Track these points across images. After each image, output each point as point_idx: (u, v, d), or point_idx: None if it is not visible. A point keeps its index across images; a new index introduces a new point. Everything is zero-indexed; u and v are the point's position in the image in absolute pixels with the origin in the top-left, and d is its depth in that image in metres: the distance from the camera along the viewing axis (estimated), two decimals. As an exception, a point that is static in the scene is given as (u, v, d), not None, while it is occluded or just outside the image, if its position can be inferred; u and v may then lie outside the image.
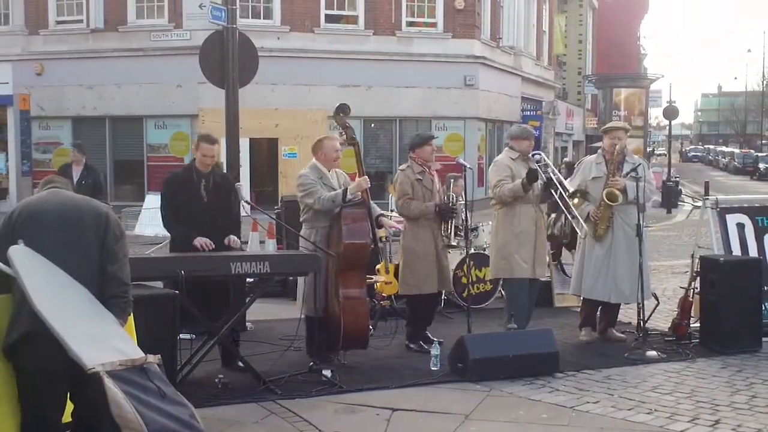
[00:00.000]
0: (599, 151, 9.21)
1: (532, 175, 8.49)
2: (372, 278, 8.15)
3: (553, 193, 8.73)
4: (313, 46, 24.91)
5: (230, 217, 7.68)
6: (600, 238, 8.65)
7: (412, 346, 8.54)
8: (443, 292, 10.44)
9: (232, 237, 7.55)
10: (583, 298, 8.96)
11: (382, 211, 8.44)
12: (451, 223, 8.58)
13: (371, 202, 8.17)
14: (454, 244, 8.56)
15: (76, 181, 12.34)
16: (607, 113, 26.75)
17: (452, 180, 11.61)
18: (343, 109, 8.15)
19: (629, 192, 8.57)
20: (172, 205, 7.67)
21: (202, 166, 7.66)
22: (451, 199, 8.67)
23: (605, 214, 8.62)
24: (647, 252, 8.95)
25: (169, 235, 12.43)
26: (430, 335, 8.66)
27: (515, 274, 8.65)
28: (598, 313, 9.01)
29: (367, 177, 8.01)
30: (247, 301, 7.36)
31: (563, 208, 8.85)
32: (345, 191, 7.82)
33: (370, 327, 8.91)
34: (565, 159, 32.22)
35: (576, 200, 8.56)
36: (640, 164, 8.76)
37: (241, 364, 7.32)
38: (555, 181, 8.75)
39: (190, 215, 7.49)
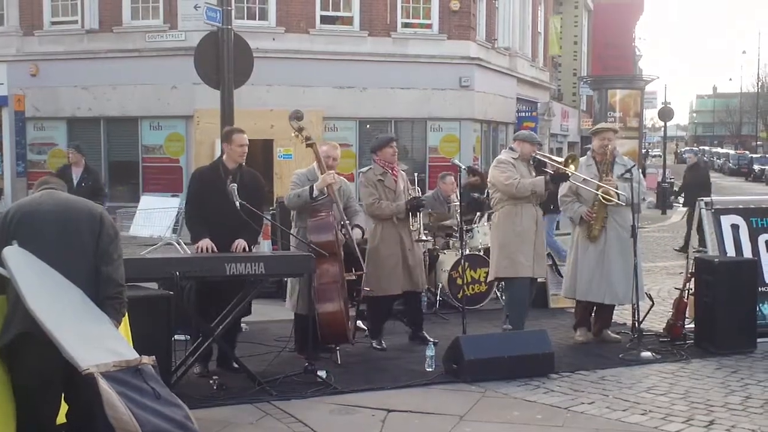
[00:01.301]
0: (588, 152, 9.23)
1: (559, 177, 8.57)
2: (350, 276, 8.18)
3: (548, 170, 8.76)
4: (309, 47, 24.89)
5: (252, 219, 7.37)
6: (594, 239, 8.66)
7: (373, 343, 8.58)
8: (438, 291, 10.52)
9: (241, 242, 7.40)
10: (577, 300, 8.97)
11: (358, 223, 8.46)
12: (419, 215, 8.56)
13: (356, 205, 8.58)
14: (424, 238, 8.55)
15: (76, 183, 12.31)
16: (603, 114, 26.68)
17: (441, 177, 11.64)
18: (296, 115, 8.25)
19: (621, 192, 8.60)
20: (195, 199, 7.64)
21: (232, 161, 7.58)
22: (418, 193, 8.72)
23: (600, 215, 8.63)
24: (641, 253, 8.94)
25: (163, 237, 12.42)
26: (427, 335, 8.68)
27: (518, 273, 8.65)
28: (593, 314, 9.02)
29: (331, 173, 8.10)
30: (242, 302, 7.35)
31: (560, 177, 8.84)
32: (311, 188, 7.95)
33: (365, 327, 8.93)
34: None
35: (572, 166, 8.59)
36: (634, 165, 8.80)
37: (236, 365, 7.32)
38: (543, 158, 8.86)
39: (214, 212, 7.40)
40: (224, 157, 7.67)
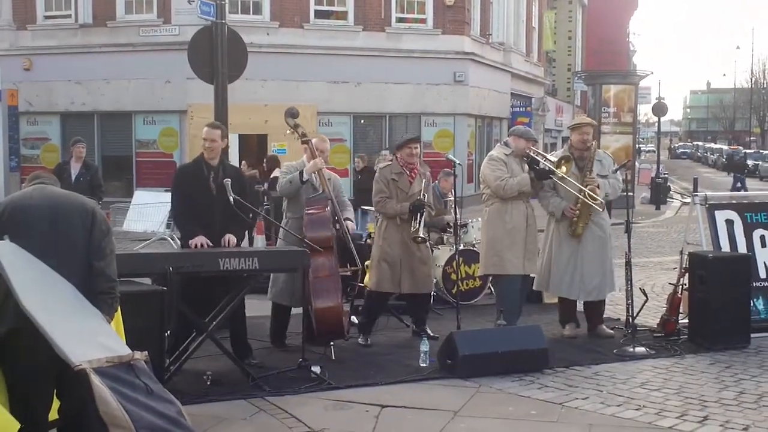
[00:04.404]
0: (564, 147, 9.18)
1: (542, 174, 8.52)
2: (345, 271, 8.20)
3: (540, 168, 8.71)
4: (303, 41, 24.86)
5: (236, 214, 7.40)
6: (579, 236, 8.64)
7: (359, 339, 8.57)
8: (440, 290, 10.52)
9: (229, 236, 7.43)
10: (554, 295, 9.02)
11: (349, 216, 8.53)
12: (421, 216, 8.50)
13: (346, 199, 8.71)
14: (423, 236, 8.49)
15: (74, 178, 12.28)
16: (597, 110, 26.65)
17: (445, 174, 11.63)
18: (291, 113, 8.37)
19: (601, 189, 8.61)
20: (181, 199, 7.64)
21: (207, 155, 7.60)
22: (425, 197, 8.59)
23: (584, 212, 8.59)
24: (612, 248, 8.92)
25: (156, 232, 12.36)
26: (429, 331, 8.65)
27: (507, 271, 8.65)
28: (581, 308, 9.03)
29: (320, 159, 8.23)
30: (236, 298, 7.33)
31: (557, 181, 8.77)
32: (301, 172, 8.07)
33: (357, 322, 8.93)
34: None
35: (564, 168, 8.54)
36: (626, 162, 8.81)
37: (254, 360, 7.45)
38: (537, 156, 8.81)
39: (200, 208, 7.44)
40: (204, 154, 7.68)
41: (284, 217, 8.45)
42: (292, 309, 8.37)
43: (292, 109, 8.42)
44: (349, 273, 8.49)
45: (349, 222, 8.40)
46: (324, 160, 8.32)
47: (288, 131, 8.38)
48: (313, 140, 8.36)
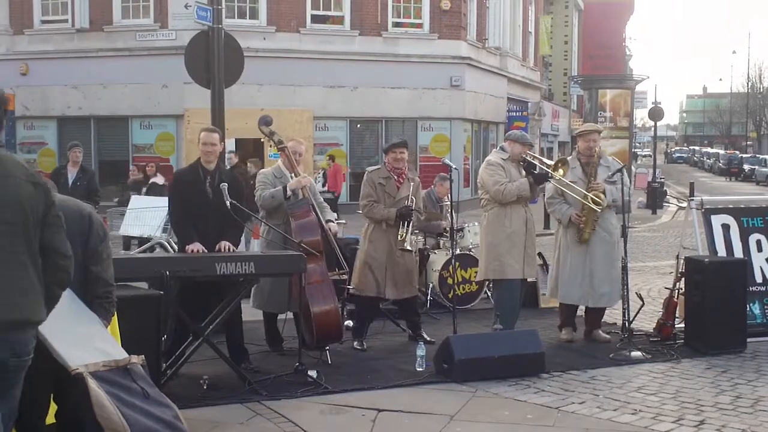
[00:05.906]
0: (573, 154, 9.22)
1: (540, 177, 8.53)
2: (334, 275, 8.20)
3: (539, 172, 8.73)
4: (299, 46, 24.89)
5: (233, 219, 7.41)
6: (585, 242, 8.65)
7: (354, 343, 8.56)
8: (428, 291, 10.50)
9: (225, 243, 7.43)
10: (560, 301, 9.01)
11: (330, 218, 8.50)
12: (408, 225, 8.48)
13: (322, 200, 8.65)
14: (409, 248, 8.46)
15: (71, 182, 12.27)
16: (593, 114, 26.68)
17: (441, 179, 11.62)
18: (265, 121, 8.37)
19: (608, 195, 8.62)
20: (177, 205, 7.63)
21: (206, 159, 7.62)
22: (412, 203, 8.57)
23: (590, 218, 8.61)
24: (621, 253, 8.92)
25: (153, 236, 12.34)
26: (425, 336, 8.65)
27: (507, 275, 8.65)
28: (581, 313, 9.03)
29: (306, 177, 8.29)
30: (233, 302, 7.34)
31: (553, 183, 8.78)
32: (284, 188, 8.04)
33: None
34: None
35: (561, 171, 8.55)
36: (623, 167, 8.82)
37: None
38: (533, 160, 8.83)
39: (196, 212, 7.45)
40: (201, 157, 7.68)
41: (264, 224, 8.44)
42: (279, 314, 8.34)
43: (265, 116, 8.42)
44: (344, 276, 8.47)
45: (331, 224, 8.40)
46: (300, 162, 8.34)
47: (263, 139, 8.39)
48: (289, 144, 8.34)
